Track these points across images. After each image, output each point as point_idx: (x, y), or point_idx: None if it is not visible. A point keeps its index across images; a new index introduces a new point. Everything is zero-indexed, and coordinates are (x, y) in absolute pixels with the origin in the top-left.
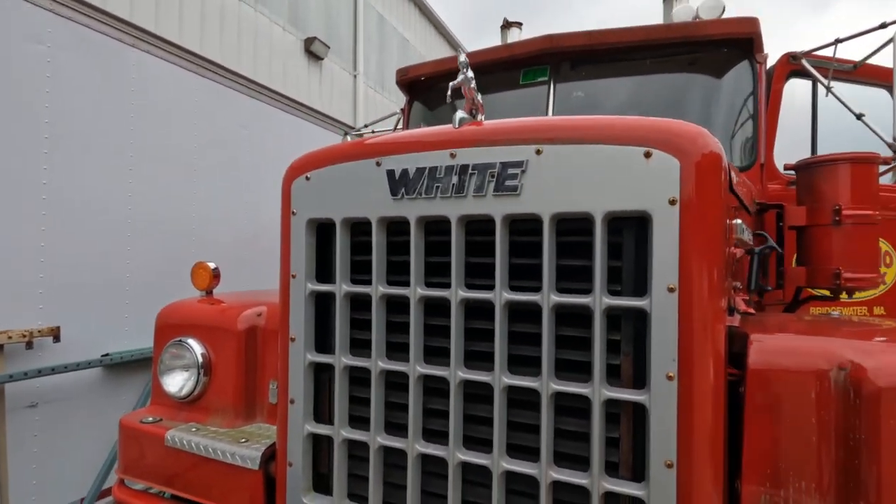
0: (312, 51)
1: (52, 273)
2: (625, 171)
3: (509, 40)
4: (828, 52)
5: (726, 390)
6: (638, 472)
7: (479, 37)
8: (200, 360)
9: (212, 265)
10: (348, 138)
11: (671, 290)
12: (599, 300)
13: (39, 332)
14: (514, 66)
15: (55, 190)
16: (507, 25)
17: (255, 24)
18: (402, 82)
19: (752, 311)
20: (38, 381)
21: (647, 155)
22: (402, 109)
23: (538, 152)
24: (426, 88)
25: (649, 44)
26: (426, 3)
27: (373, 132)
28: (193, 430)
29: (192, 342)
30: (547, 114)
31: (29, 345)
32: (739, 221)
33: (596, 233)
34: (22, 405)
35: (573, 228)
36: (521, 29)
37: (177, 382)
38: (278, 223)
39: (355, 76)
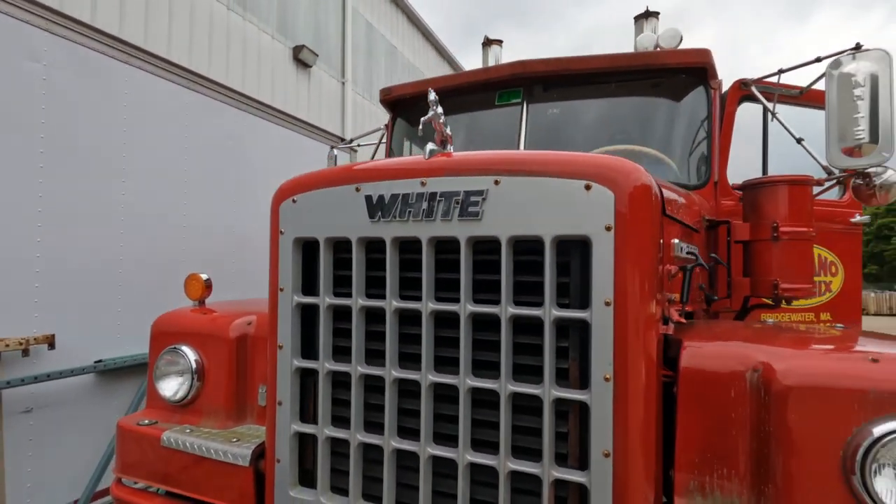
0: (301, 58)
1: (47, 282)
2: (569, 200)
3: (490, 57)
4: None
5: (661, 390)
6: (583, 462)
7: (467, 42)
8: (194, 366)
9: (204, 276)
10: (335, 152)
11: (607, 303)
12: (549, 312)
13: (35, 339)
14: (491, 88)
15: (50, 202)
16: (487, 43)
17: (243, 32)
18: (386, 101)
19: (683, 320)
20: (34, 386)
21: (588, 187)
22: (385, 125)
23: (496, 182)
24: (409, 106)
25: (614, 70)
26: (414, 11)
27: (358, 146)
28: (188, 431)
29: (186, 349)
30: (520, 131)
31: (25, 352)
32: (676, 241)
33: (546, 254)
34: (17, 410)
35: (527, 249)
36: (501, 46)
37: (172, 387)
38: (264, 233)
39: (343, 83)
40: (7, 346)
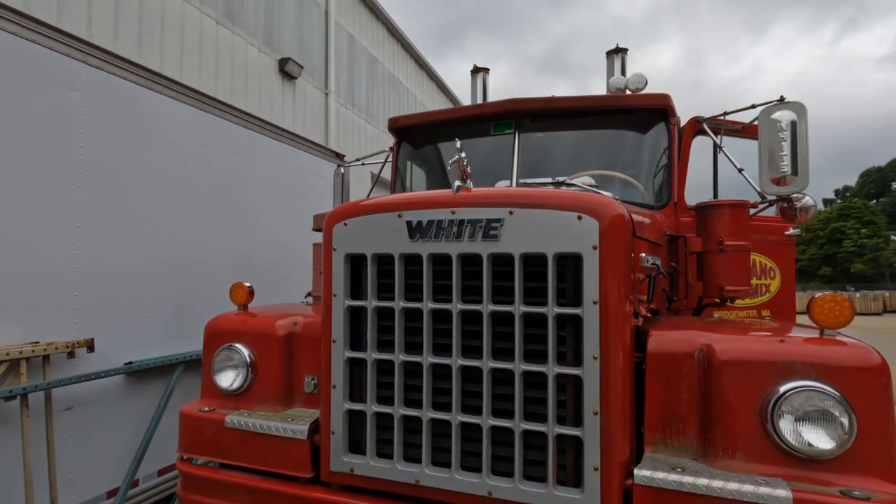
0: (287, 70)
1: (85, 290)
2: (566, 227)
3: (478, 84)
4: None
5: (634, 367)
6: (578, 421)
7: (441, 46)
8: (248, 360)
9: (248, 284)
10: (341, 170)
11: (595, 302)
12: (551, 309)
13: (78, 343)
14: (488, 120)
15: (87, 219)
16: (476, 71)
17: (231, 46)
18: (393, 128)
19: (649, 315)
20: (74, 386)
21: (579, 217)
22: (391, 148)
23: (511, 213)
24: (412, 133)
25: (590, 108)
26: (393, 23)
27: (363, 164)
28: (246, 414)
29: (240, 346)
30: (513, 156)
31: (71, 354)
32: (643, 255)
33: (549, 266)
34: (60, 408)
35: (534, 262)
36: (488, 73)
37: (229, 378)
38: (268, 243)
39: (327, 94)
40: (56, 348)
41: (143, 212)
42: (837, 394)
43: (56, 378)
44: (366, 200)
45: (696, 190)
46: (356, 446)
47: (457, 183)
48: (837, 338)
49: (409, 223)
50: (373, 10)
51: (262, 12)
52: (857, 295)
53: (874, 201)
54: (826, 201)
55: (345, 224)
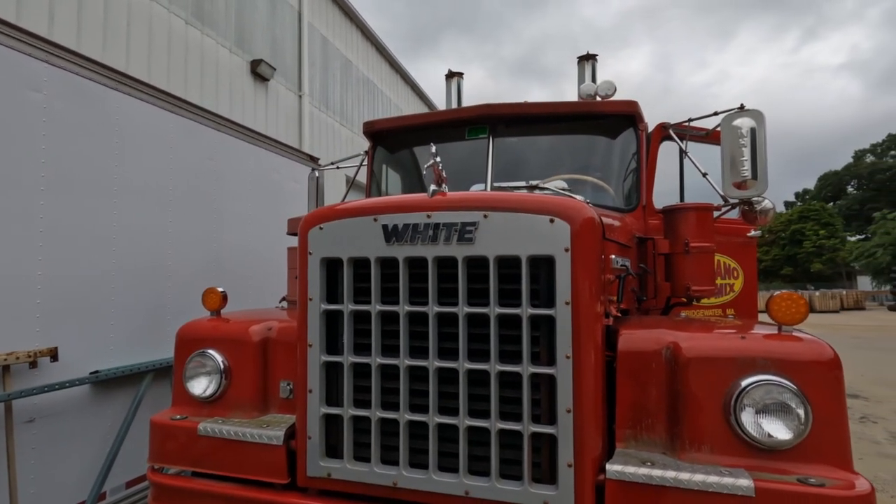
0: (259, 72)
1: (48, 297)
2: (538, 230)
3: (453, 88)
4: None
5: (605, 366)
6: (552, 419)
7: (416, 47)
8: (222, 366)
9: (220, 289)
10: (316, 174)
11: (567, 303)
12: (525, 310)
13: (40, 352)
14: (462, 125)
15: (50, 223)
16: (451, 76)
17: (201, 47)
18: (368, 132)
19: (619, 314)
20: (37, 397)
21: (552, 221)
22: (366, 151)
23: (485, 216)
24: (387, 136)
25: (562, 114)
26: (368, 26)
27: (337, 168)
28: (220, 421)
29: (213, 352)
30: (487, 161)
31: (33, 364)
32: (613, 256)
33: (522, 268)
34: (22, 420)
35: (508, 265)
36: (462, 78)
37: (201, 386)
38: (241, 247)
39: (300, 96)
40: (17, 358)
41: (109, 216)
42: (794, 386)
43: (17, 389)
44: (341, 204)
45: (665, 193)
46: (333, 450)
47: (432, 187)
48: (794, 334)
49: (385, 227)
50: (346, 13)
51: (234, 13)
52: (817, 294)
53: (831, 204)
54: (787, 204)
55: (320, 228)
